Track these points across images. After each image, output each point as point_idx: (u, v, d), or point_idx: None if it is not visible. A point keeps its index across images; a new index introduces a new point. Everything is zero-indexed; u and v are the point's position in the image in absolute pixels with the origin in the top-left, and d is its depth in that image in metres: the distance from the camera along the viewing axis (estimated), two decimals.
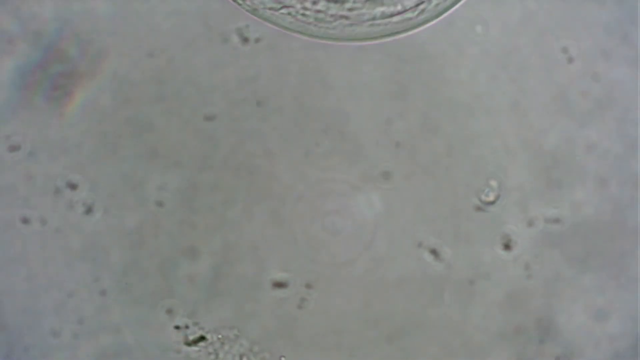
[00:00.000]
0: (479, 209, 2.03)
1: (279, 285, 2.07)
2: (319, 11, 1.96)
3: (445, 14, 2.05)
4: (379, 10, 1.93)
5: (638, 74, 2.11)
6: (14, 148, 1.87)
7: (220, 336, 1.91)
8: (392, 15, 1.94)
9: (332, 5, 1.88)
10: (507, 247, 2.06)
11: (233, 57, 2.11)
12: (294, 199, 2.10)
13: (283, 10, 1.94)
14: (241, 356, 2.06)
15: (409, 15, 1.93)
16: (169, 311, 2.07)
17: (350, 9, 1.96)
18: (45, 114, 2.09)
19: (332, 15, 1.95)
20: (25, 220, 2.07)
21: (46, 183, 2.08)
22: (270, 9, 1.98)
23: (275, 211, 2.09)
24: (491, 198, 1.92)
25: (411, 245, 2.09)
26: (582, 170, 2.11)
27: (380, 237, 2.09)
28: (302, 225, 2.10)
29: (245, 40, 1.96)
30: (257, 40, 2.02)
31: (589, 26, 2.12)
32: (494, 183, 2.05)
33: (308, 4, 1.92)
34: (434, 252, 2.07)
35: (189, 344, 1.91)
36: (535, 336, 2.09)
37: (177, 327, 2.02)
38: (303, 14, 1.97)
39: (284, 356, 2.02)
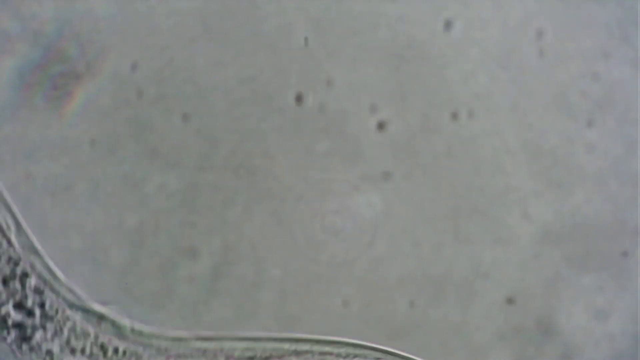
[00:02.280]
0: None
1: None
2: None
3: None
4: None
5: (638, 74, 2.11)
6: None
7: None
8: None
9: None
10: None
11: (233, 57, 2.11)
12: (294, 199, 2.10)
13: None
14: None
15: None
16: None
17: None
18: (45, 114, 2.09)
19: None
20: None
21: (46, 183, 2.08)
22: None
23: (275, 211, 2.09)
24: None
25: (411, 245, 2.09)
26: (582, 170, 2.11)
27: (380, 237, 2.09)
28: (302, 225, 2.10)
29: None
30: None
31: (589, 26, 2.12)
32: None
33: None
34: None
35: None
36: (535, 336, 2.09)
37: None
38: None
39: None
